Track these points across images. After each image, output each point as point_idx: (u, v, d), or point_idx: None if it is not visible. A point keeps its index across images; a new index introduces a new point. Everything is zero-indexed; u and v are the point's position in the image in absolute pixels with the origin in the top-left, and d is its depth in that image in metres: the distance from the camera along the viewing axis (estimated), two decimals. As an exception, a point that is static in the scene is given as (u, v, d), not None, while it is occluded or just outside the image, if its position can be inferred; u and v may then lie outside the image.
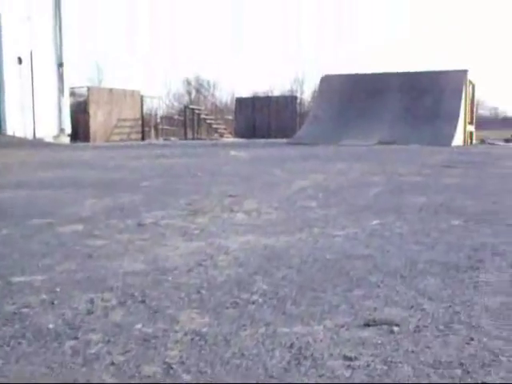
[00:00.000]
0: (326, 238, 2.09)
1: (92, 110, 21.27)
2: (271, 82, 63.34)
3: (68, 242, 2.05)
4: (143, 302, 1.38)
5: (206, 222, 2.44)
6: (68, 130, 15.45)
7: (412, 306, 1.34)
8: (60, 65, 15.16)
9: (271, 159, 7.14)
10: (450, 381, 0.96)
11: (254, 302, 1.37)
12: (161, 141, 22.77)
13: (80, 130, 20.58)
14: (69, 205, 3.00)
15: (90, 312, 1.31)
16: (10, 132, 13.67)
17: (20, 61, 13.95)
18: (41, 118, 14.56)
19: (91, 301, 1.38)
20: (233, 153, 8.10)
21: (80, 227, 2.33)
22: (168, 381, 0.97)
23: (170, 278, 1.57)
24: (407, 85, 13.65)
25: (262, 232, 2.21)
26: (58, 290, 1.48)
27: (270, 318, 1.26)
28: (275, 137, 21.23)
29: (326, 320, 1.25)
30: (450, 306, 1.34)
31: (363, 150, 9.70)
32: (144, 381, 0.97)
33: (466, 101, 13.72)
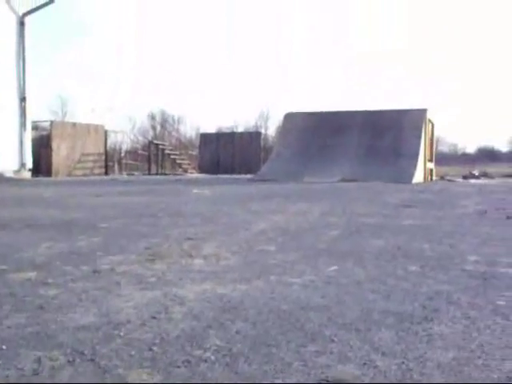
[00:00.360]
0: (283, 287, 2.09)
1: (55, 144, 21.06)
2: (236, 117, 63.85)
3: (19, 292, 1.99)
4: (92, 360, 1.35)
5: (163, 268, 2.41)
6: (29, 164, 15.23)
7: (365, 363, 1.34)
8: (22, 99, 15.03)
9: (233, 198, 7.14)
10: None
11: (206, 360, 1.35)
12: (124, 176, 22.63)
13: (42, 164, 20.32)
14: (24, 249, 2.93)
15: (35, 372, 1.27)
16: (-32, 166, 13.42)
17: (-19, 95, 13.78)
18: (1, 152, 14.34)
19: (38, 360, 1.34)
20: (195, 190, 8.09)
21: (33, 274, 2.28)
22: None
23: (121, 333, 1.54)
24: (369, 123, 13.93)
25: (219, 280, 2.19)
26: (3, 347, 1.43)
27: (221, 378, 1.24)
28: (239, 172, 21.31)
29: (277, 379, 1.23)
30: (403, 363, 1.34)
31: (325, 187, 9.80)
32: None
33: (425, 139, 14.04)
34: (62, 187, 10.31)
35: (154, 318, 1.69)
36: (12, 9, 14.65)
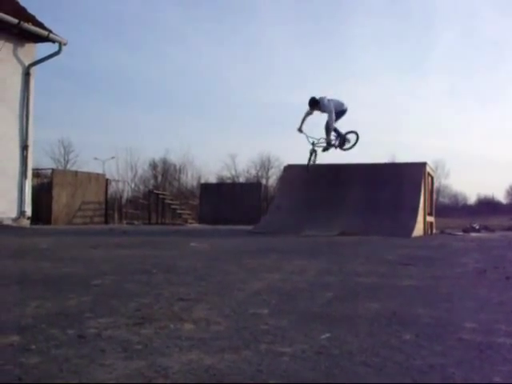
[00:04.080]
0: (272, 357, 2.02)
1: (56, 192, 21.16)
2: (237, 168, 64.27)
3: (-1, 360, 1.93)
4: None
5: (151, 334, 2.35)
6: (28, 212, 15.21)
7: None
8: (24, 147, 15.15)
9: (230, 252, 7.09)
10: None
11: None
12: (124, 225, 22.61)
13: (42, 212, 20.34)
14: (10, 308, 2.88)
15: None
16: (-34, 214, 13.43)
17: (-17, 143, 13.89)
18: (1, 199, 14.37)
19: None
20: (192, 244, 8.03)
21: (16, 339, 2.22)
22: None
23: (99, 412, 1.48)
24: (368, 176, 13.98)
25: (207, 348, 2.13)
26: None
27: None
28: (239, 223, 21.24)
29: None
30: None
31: (324, 241, 9.75)
32: None
33: (425, 192, 14.07)
34: (60, 237, 10.27)
35: (135, 393, 1.63)
36: (18, 59, 14.92)
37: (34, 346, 2.12)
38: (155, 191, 26.80)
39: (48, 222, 20.16)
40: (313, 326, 2.58)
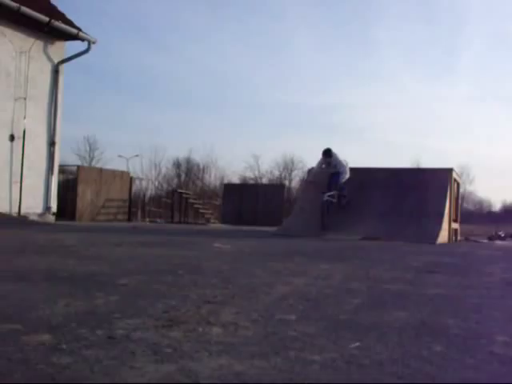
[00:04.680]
0: (302, 365, 2.01)
1: (80, 188, 21.35)
2: (260, 169, 64.29)
3: (32, 359, 1.95)
4: None
5: (180, 337, 2.35)
6: (54, 208, 15.40)
7: None
8: (51, 144, 15.33)
9: (254, 254, 7.08)
10: None
11: None
12: (147, 223, 22.73)
13: (67, 208, 20.52)
14: (40, 306, 2.90)
15: None
16: (-5, 208, 13.62)
17: (12, 138, 14.09)
18: (28, 195, 14.57)
19: None
20: (216, 245, 8.05)
21: (48, 338, 2.24)
22: None
23: (132, 416, 1.48)
24: (393, 181, 13.87)
25: (237, 354, 2.12)
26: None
27: None
28: (262, 224, 21.22)
29: None
30: None
31: (348, 245, 9.70)
32: None
33: (451, 199, 13.91)
34: (84, 234, 10.36)
35: (167, 398, 1.63)
36: (48, 57, 15.09)
37: (64, 346, 2.13)
38: (179, 190, 26.93)
39: (72, 218, 20.36)
40: (341, 333, 2.56)
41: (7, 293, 3.34)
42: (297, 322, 2.76)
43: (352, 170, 14.04)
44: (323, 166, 13.59)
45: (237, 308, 3.07)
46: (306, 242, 10.55)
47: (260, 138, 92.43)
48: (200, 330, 2.51)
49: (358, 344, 2.36)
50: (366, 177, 14.03)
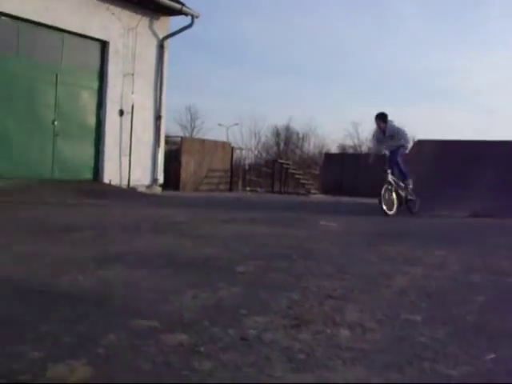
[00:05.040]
0: (439, 380, 1.98)
1: (184, 159, 21.92)
2: (360, 137, 63.24)
3: (174, 362, 2.04)
4: None
5: (309, 340, 2.38)
6: (161, 180, 15.97)
7: None
8: (158, 118, 15.79)
9: (363, 235, 7.01)
10: None
11: None
12: (248, 193, 23.06)
13: (171, 178, 21.16)
14: (170, 297, 3.02)
15: None
16: (106, 180, 14.33)
17: (121, 113, 14.63)
18: (136, 168, 15.14)
19: None
20: (322, 222, 8.04)
21: (185, 338, 2.33)
22: None
23: None
24: (504, 154, 13.22)
25: (370, 363, 2.12)
26: None
27: None
28: (363, 195, 20.93)
29: None
30: None
31: (457, 224, 9.40)
32: None
33: None
34: (192, 209, 10.64)
35: (312, 416, 1.66)
36: (153, 32, 15.46)
37: (202, 349, 2.21)
38: (279, 160, 27.11)
39: (176, 188, 21.02)
40: (471, 340, 2.49)
41: (135, 280, 3.50)
42: (423, 325, 2.72)
43: (460, 142, 13.52)
44: (379, 135, 11.06)
45: (359, 305, 3.07)
46: (411, 220, 10.33)
47: (360, 106, 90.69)
48: (328, 331, 2.53)
49: (493, 356, 2.29)
50: (475, 150, 13.46)
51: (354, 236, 6.82)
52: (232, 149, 24.42)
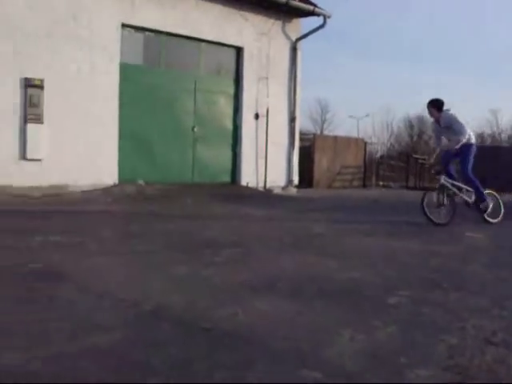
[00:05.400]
0: None
1: (317, 156, 22.00)
2: (500, 124, 59.80)
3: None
4: None
5: (477, 403, 2.35)
6: (296, 181, 16.20)
7: None
8: (292, 119, 15.98)
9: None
10: None
11: None
12: (381, 189, 22.71)
13: (304, 174, 21.33)
14: (327, 339, 3.07)
15: None
16: (243, 183, 14.72)
17: (257, 116, 14.95)
18: (271, 169, 15.43)
19: None
20: (468, 234, 7.75)
21: (350, 395, 2.39)
22: None
23: None
24: None
25: None
26: None
27: None
28: (506, 191, 19.79)
29: None
30: None
31: None
32: None
33: None
34: (328, 214, 10.58)
35: None
36: (286, 35, 15.63)
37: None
38: (414, 156, 26.41)
39: (310, 185, 21.14)
40: None
41: (291, 316, 3.58)
42: None
43: None
44: (436, 127, 9.36)
45: (523, 354, 2.95)
46: None
47: (499, 91, 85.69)
48: (494, 392, 2.47)
49: None
50: None
51: (505, 251, 6.50)
52: (365, 144, 24.12)
